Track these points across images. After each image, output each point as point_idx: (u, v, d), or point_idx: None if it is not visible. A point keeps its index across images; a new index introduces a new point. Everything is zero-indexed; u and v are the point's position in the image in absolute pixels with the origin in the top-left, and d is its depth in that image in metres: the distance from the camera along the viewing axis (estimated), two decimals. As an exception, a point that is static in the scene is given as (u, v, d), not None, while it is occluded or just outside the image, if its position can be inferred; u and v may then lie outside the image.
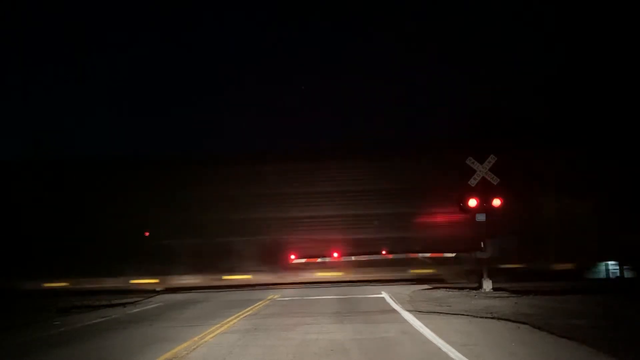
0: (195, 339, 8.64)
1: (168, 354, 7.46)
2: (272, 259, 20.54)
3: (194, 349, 7.80)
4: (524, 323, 8.97)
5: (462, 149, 17.29)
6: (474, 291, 15.17)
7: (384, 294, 15.19)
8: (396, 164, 21.03)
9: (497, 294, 14.46)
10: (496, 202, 15.65)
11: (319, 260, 20.30)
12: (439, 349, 7.13)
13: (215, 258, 20.74)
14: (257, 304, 14.12)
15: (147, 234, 21.17)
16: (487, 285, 15.47)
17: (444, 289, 16.18)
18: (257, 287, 20.04)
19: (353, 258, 20.31)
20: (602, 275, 20.01)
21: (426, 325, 9.04)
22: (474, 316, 10.13)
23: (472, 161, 16.16)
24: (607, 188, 18.98)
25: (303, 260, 20.34)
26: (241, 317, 11.41)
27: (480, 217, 15.84)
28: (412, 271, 19.99)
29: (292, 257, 20.24)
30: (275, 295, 16.70)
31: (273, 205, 20.95)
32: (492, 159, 16.06)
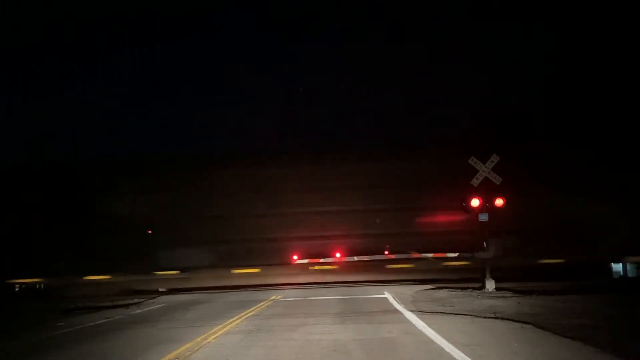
0: (198, 339, 8.66)
1: (171, 355, 7.48)
2: (274, 259, 20.51)
3: (197, 349, 7.82)
4: (527, 323, 8.97)
5: (464, 149, 17.25)
6: (477, 291, 15.15)
7: (386, 294, 15.18)
8: (397, 163, 20.97)
9: (500, 293, 14.44)
10: (499, 201, 15.65)
11: (321, 260, 20.27)
12: (442, 349, 7.13)
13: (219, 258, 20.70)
14: (260, 304, 14.13)
15: (150, 231, 21.20)
16: (490, 285, 15.46)
17: (447, 289, 16.15)
18: (259, 287, 20.04)
19: (356, 258, 20.30)
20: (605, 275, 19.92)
21: (429, 326, 9.03)
22: (477, 316, 10.13)
23: (474, 161, 16.15)
24: (609, 186, 18.92)
25: (305, 261, 20.31)
26: (244, 317, 11.43)
27: (483, 217, 15.83)
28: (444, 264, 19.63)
29: (295, 257, 20.23)
30: (277, 296, 16.71)
31: (273, 205, 20.91)
32: (494, 159, 16.04)
